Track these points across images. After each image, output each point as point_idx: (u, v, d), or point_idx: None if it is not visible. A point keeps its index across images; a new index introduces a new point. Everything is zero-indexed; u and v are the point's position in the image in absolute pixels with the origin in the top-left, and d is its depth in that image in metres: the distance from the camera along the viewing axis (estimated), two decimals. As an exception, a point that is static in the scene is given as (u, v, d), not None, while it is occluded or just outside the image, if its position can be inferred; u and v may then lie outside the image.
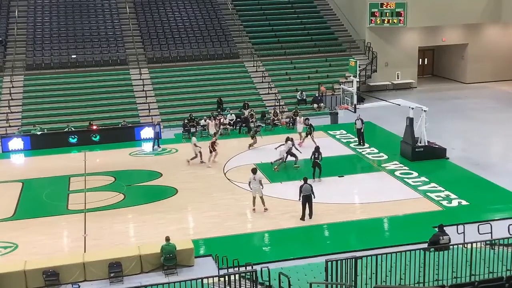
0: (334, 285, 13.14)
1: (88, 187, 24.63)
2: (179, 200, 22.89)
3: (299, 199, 20.42)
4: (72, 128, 32.04)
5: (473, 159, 26.58)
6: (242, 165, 26.73)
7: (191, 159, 27.08)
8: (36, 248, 18.94)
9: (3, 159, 29.35)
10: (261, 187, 21.29)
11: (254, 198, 21.44)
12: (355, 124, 29.33)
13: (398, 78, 42.47)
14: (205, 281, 13.26)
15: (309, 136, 28.97)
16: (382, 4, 40.02)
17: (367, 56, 40.71)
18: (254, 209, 21.40)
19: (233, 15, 44.00)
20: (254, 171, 21.67)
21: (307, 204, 20.36)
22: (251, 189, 21.56)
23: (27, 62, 37.80)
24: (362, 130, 29.05)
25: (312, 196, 20.36)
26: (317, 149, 24.65)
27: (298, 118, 31.09)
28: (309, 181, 21.32)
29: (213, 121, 31.76)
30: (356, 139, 29.58)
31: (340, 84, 34.11)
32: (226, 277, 13.92)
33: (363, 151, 28.16)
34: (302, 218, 20.37)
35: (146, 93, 36.15)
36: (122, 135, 31.62)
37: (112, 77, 37.77)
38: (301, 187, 20.40)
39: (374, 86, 41.03)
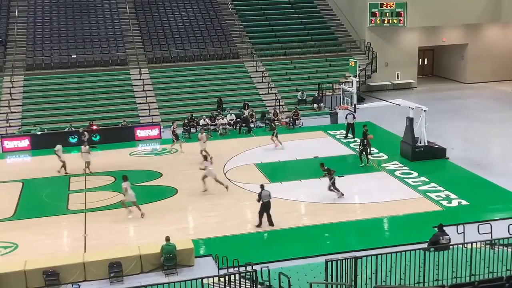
0: (334, 285, 13.14)
1: (88, 187, 24.66)
2: (179, 200, 22.89)
3: (259, 200, 19.87)
4: (73, 128, 32.06)
5: (473, 159, 26.57)
6: (242, 165, 26.75)
7: (61, 167, 26.23)
8: (36, 248, 18.94)
9: (3, 159, 29.36)
10: (133, 193, 21.07)
11: (134, 203, 21.17)
12: (346, 118, 30.01)
13: (398, 78, 42.48)
14: (205, 281, 13.25)
15: (274, 137, 29.05)
16: (382, 4, 40.04)
17: (367, 56, 40.71)
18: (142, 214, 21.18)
19: (233, 15, 44.00)
20: (125, 178, 21.27)
21: (265, 212, 19.84)
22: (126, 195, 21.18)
23: (27, 62, 37.80)
24: (353, 124, 29.96)
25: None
26: (364, 135, 25.95)
27: (200, 134, 27.89)
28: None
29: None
30: (345, 134, 30.50)
31: (340, 84, 34.11)
32: (226, 277, 13.91)
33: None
34: (259, 225, 19.85)
35: (146, 93, 36.16)
36: (122, 135, 31.64)
37: (112, 77, 37.77)
38: (260, 193, 19.81)
39: (374, 86, 41.04)
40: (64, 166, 26.29)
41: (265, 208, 19.84)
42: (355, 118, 29.80)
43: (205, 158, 24.49)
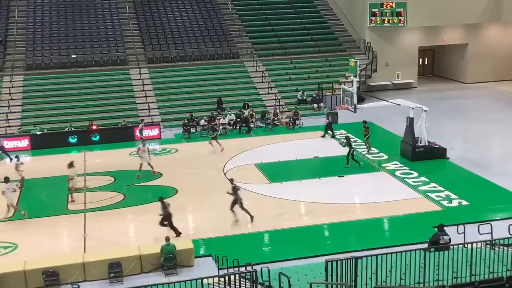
0: (334, 285, 13.13)
1: (88, 187, 24.61)
2: (179, 200, 22.84)
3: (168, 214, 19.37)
4: (72, 128, 32.04)
5: (473, 159, 26.55)
6: (242, 165, 26.73)
7: None
8: (36, 248, 18.91)
9: (2, 159, 29.31)
10: (11, 195, 21.49)
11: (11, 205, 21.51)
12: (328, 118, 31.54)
13: (398, 78, 42.47)
14: (205, 281, 13.24)
15: (215, 141, 28.87)
16: (382, 4, 40.01)
17: (367, 56, 40.68)
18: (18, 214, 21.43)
19: (233, 15, 43.98)
20: (6, 179, 21.76)
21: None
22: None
23: (27, 62, 37.77)
24: (329, 123, 31.00)
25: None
26: (347, 138, 25.97)
27: (141, 146, 25.86)
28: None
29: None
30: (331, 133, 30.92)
31: (340, 84, 34.10)
32: (226, 277, 13.90)
33: (363, 151, 28.13)
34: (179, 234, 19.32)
35: (146, 93, 36.13)
36: (122, 135, 31.62)
37: (112, 77, 37.74)
38: (166, 205, 19.39)
39: (374, 86, 41.02)
40: None
41: (170, 218, 19.37)
42: (327, 118, 31.24)
43: (70, 164, 23.68)
